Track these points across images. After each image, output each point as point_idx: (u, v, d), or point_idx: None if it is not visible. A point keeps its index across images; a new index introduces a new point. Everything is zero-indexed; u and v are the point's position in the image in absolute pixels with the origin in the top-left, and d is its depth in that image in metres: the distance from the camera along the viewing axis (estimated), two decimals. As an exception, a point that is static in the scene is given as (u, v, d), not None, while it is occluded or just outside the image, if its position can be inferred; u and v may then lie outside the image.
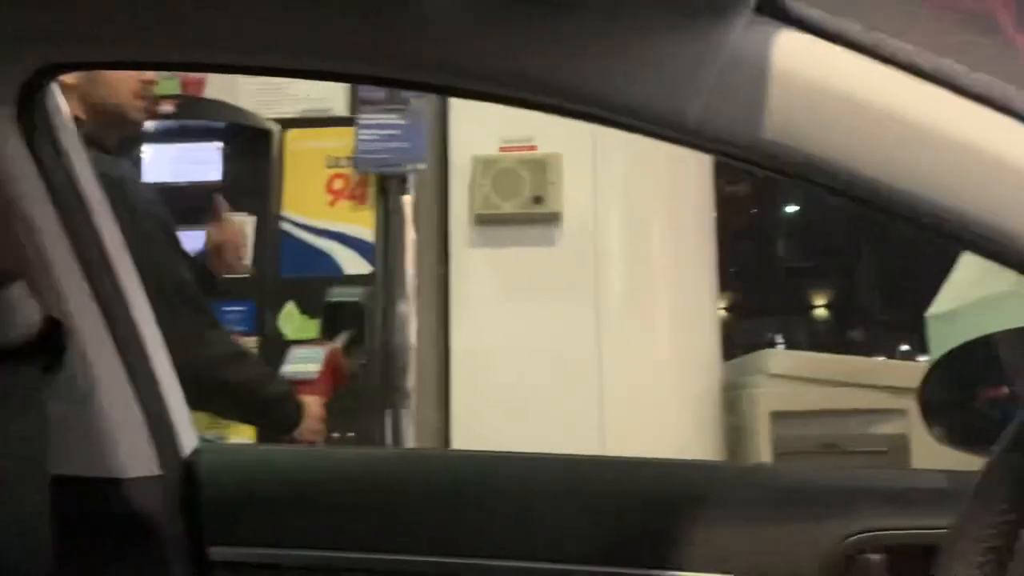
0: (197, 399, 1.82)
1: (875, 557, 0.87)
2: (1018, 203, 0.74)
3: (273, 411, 1.83)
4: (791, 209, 18.38)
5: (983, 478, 0.63)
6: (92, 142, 1.65)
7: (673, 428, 2.63)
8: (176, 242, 1.83)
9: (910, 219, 0.76)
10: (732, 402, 2.93)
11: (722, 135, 0.75)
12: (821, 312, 19.36)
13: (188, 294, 1.73)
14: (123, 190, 1.66)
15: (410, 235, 2.69)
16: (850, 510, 0.91)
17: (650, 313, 2.76)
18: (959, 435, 1.11)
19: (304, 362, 2.05)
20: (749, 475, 1.02)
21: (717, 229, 3.04)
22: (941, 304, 3.01)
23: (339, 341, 2.35)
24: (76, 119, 1.68)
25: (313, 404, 1.90)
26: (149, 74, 1.82)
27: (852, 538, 0.88)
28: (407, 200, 2.68)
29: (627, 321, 2.71)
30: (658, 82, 0.73)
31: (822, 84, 0.73)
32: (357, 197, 2.67)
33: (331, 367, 2.09)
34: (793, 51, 0.73)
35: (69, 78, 1.68)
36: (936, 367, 1.36)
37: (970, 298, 2.76)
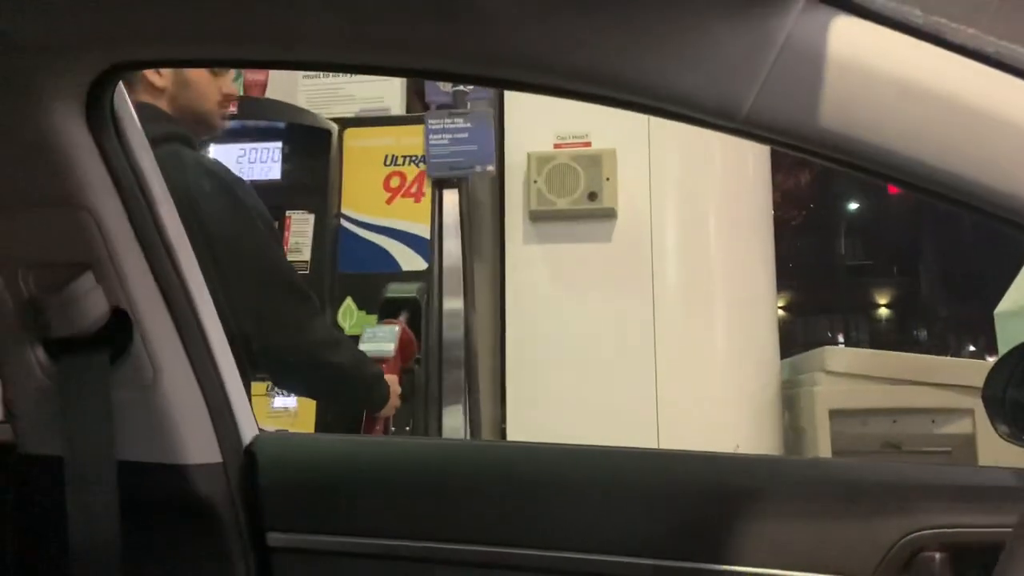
0: (300, 382, 1.89)
1: (937, 555, 0.85)
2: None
3: (368, 391, 1.90)
4: (852, 206, 17.99)
5: None
6: (180, 138, 1.72)
7: (730, 425, 2.60)
8: (276, 232, 1.90)
9: (975, 208, 0.75)
10: (790, 399, 2.88)
11: (778, 124, 0.74)
12: (884, 311, 18.93)
13: (293, 283, 1.79)
14: (224, 183, 1.72)
15: (469, 231, 2.71)
16: (912, 506, 0.89)
17: (707, 309, 2.73)
18: (1028, 434, 1.08)
19: (380, 341, 2.12)
20: (808, 469, 1.01)
21: (777, 227, 2.99)
22: (1009, 301, 2.92)
23: (402, 318, 2.40)
24: (164, 113, 1.75)
25: (392, 383, 1.97)
26: (231, 87, 1.89)
27: (913, 535, 0.86)
28: (461, 197, 2.70)
29: (683, 317, 2.68)
30: (713, 71, 0.72)
31: (880, 70, 0.72)
32: (414, 195, 2.70)
33: (402, 344, 2.16)
34: (850, 37, 0.72)
35: (160, 81, 1.75)
36: (1002, 364, 1.32)
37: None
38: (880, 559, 0.86)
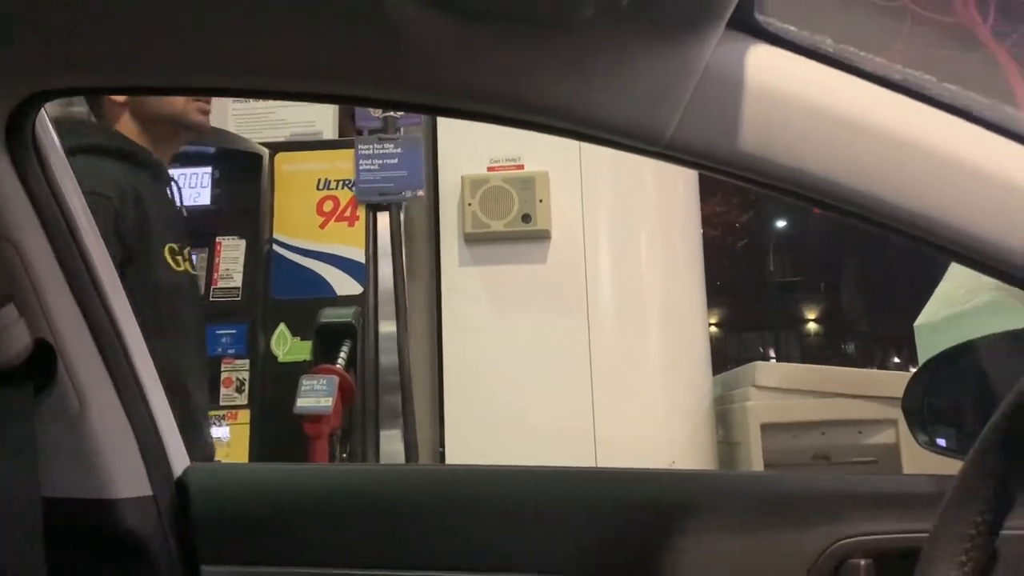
0: None
1: (862, 561, 0.88)
2: (990, 209, 0.76)
3: None
4: (780, 224, 18.47)
5: (960, 480, 0.63)
6: (99, 150, 1.67)
7: (665, 441, 2.64)
8: None
9: (886, 227, 0.78)
10: (723, 415, 2.94)
11: (701, 149, 0.77)
12: (813, 326, 19.42)
13: None
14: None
15: (401, 255, 2.70)
16: (837, 515, 0.91)
17: (641, 328, 2.77)
18: (944, 441, 1.12)
19: (317, 396, 2.10)
20: (738, 483, 1.03)
21: (709, 246, 3.05)
22: (929, 314, 3.03)
23: (340, 360, 2.38)
24: (94, 125, 1.69)
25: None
26: None
27: (840, 542, 0.89)
28: (394, 221, 2.69)
29: (618, 336, 2.72)
30: (636, 98, 0.75)
31: (796, 97, 0.75)
32: (347, 219, 2.69)
33: (341, 393, 2.14)
34: (767, 65, 0.75)
35: (118, 95, 1.70)
36: (920, 375, 1.38)
37: (957, 308, 2.78)
38: (809, 567, 0.89)
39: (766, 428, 2.73)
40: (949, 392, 1.16)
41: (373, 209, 2.68)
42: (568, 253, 2.74)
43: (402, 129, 2.72)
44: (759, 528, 0.93)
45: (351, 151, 2.68)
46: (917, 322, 3.06)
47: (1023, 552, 0.73)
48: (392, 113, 2.69)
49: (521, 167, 2.76)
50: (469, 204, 2.74)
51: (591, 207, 2.76)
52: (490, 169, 2.77)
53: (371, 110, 2.72)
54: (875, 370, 3.38)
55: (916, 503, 0.93)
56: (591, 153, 2.73)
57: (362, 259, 2.65)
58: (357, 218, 2.68)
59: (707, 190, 3.17)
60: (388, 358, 2.64)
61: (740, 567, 0.91)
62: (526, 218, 2.71)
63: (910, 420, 1.25)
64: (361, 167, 2.65)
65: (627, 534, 0.95)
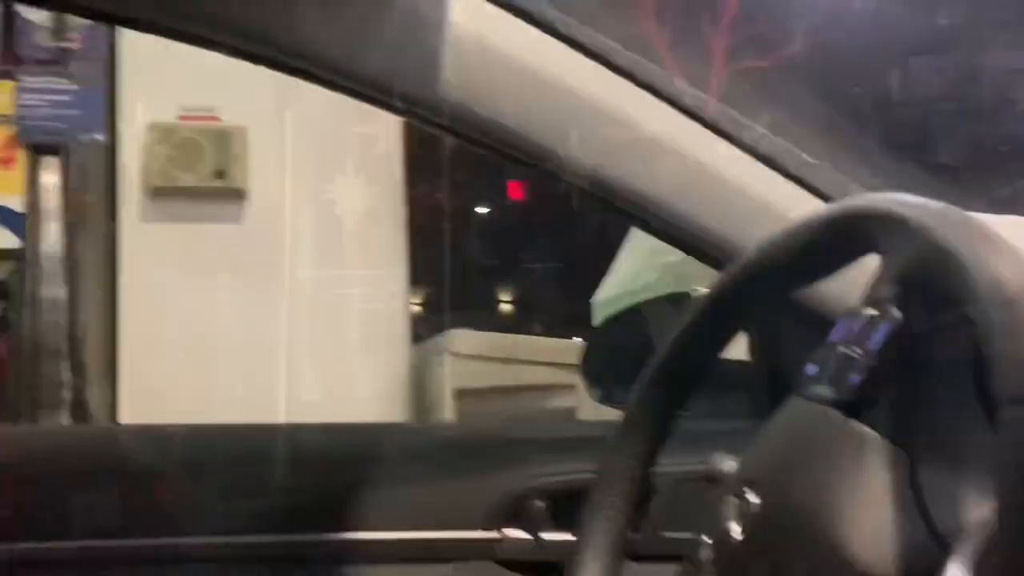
0: None
1: (540, 503, 0.92)
2: (668, 179, 0.82)
3: None
4: (486, 210, 19.29)
5: (620, 424, 0.68)
6: None
7: (362, 408, 2.63)
8: None
9: (573, 184, 0.82)
10: (419, 382, 2.99)
11: (401, 91, 0.76)
12: (510, 304, 20.56)
13: None
14: None
15: (73, 206, 2.42)
16: (518, 461, 0.96)
17: (339, 295, 2.72)
18: (617, 398, 1.22)
19: None
20: (424, 434, 1.05)
21: (419, 230, 3.07)
22: (605, 291, 3.30)
23: None
24: None
25: None
26: None
27: (520, 486, 0.93)
28: (63, 167, 2.40)
29: (316, 303, 2.66)
30: (337, 29, 0.73)
31: (499, 51, 0.77)
32: (2, 161, 2.36)
33: None
34: (474, 16, 0.76)
35: None
36: (592, 341, 1.51)
37: (629, 285, 3.06)
38: (494, 511, 0.92)
39: (459, 394, 2.82)
40: (618, 352, 1.27)
41: (38, 152, 2.37)
42: (264, 213, 2.62)
43: (78, 64, 2.43)
44: (443, 476, 0.95)
45: (8, 83, 2.35)
46: (595, 298, 3.32)
47: (674, 486, 0.82)
48: (67, 44, 2.39)
49: (217, 119, 2.58)
50: (155, 155, 2.52)
51: (292, 167, 2.66)
52: (182, 119, 2.56)
53: (40, 39, 2.39)
54: (561, 339, 3.65)
55: (591, 447, 0.99)
56: (292, 110, 2.62)
57: (18, 208, 2.34)
58: (13, 160, 2.36)
59: (420, 174, 3.20)
60: (51, 321, 2.36)
61: (431, 515, 0.93)
62: (220, 174, 2.55)
63: (586, 381, 1.36)
64: (25, 101, 2.33)
65: (319, 487, 0.94)
